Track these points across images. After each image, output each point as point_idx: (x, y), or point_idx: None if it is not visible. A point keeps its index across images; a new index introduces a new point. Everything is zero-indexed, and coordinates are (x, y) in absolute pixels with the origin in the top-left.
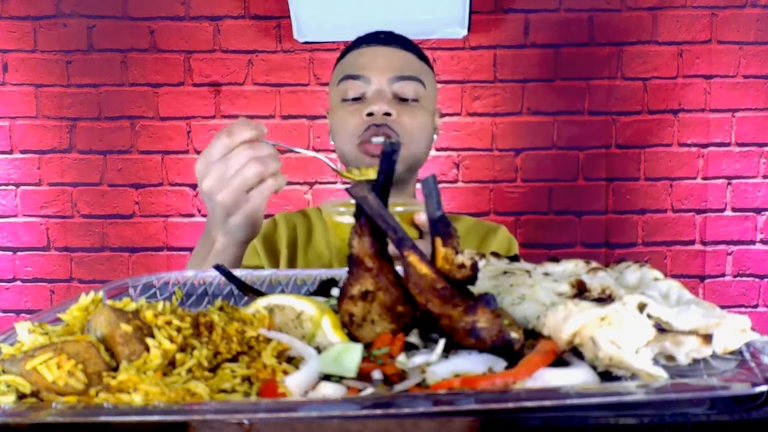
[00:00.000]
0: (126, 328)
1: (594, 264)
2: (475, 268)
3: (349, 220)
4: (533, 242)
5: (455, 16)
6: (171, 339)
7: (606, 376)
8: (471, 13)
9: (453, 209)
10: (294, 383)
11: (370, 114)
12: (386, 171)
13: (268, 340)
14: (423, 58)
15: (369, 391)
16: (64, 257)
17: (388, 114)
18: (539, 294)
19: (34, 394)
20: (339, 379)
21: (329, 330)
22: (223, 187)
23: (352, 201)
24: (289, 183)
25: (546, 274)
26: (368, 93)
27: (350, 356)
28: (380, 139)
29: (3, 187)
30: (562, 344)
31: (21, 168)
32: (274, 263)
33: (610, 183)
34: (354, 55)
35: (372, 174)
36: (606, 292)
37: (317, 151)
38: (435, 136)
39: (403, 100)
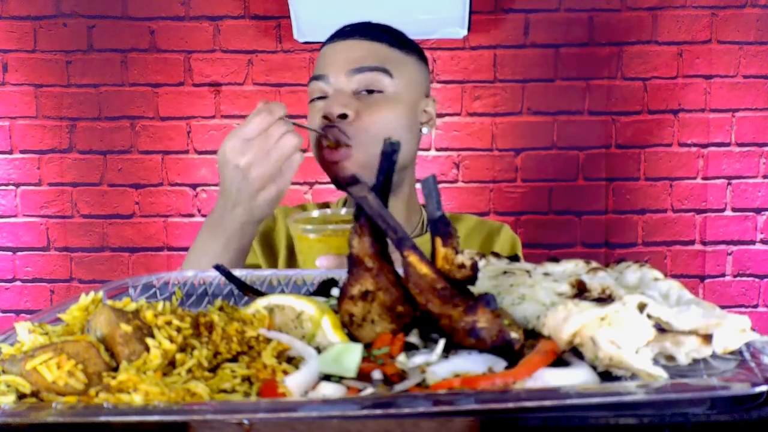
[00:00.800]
0: (126, 328)
1: (594, 264)
2: (475, 268)
3: (315, 236)
4: (533, 242)
5: (455, 16)
6: (171, 339)
7: (606, 376)
8: (471, 13)
9: (453, 209)
10: (294, 383)
11: (326, 117)
12: (386, 171)
13: (268, 340)
14: (399, 46)
15: (369, 391)
16: (64, 257)
17: (344, 116)
18: (539, 294)
19: (34, 394)
20: (339, 379)
21: (329, 330)
22: (262, 161)
23: (315, 214)
24: None
25: (546, 274)
26: (329, 92)
27: (350, 356)
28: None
29: (3, 187)
30: (562, 344)
31: (21, 168)
32: (272, 260)
33: (610, 183)
34: (319, 55)
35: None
36: (606, 292)
37: None
38: (425, 129)
39: (369, 92)
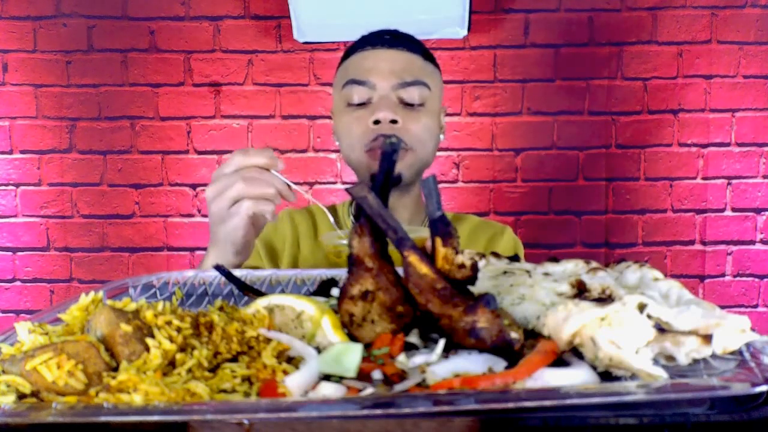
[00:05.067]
0: (126, 328)
1: (594, 264)
2: (475, 268)
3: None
4: (533, 242)
5: (455, 16)
6: (171, 339)
7: (606, 376)
8: (471, 13)
9: (453, 209)
10: (294, 383)
11: (376, 121)
12: (386, 171)
13: (268, 340)
14: (428, 57)
15: (369, 391)
16: (64, 257)
17: (394, 121)
18: (539, 294)
19: (34, 394)
20: (339, 379)
21: (329, 330)
22: (217, 198)
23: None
24: None
25: (546, 274)
26: (374, 99)
27: (350, 356)
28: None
29: (3, 187)
30: (562, 344)
31: (21, 168)
32: (274, 263)
33: (610, 183)
34: (358, 58)
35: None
36: (606, 292)
37: (317, 151)
38: (442, 136)
39: (409, 104)
